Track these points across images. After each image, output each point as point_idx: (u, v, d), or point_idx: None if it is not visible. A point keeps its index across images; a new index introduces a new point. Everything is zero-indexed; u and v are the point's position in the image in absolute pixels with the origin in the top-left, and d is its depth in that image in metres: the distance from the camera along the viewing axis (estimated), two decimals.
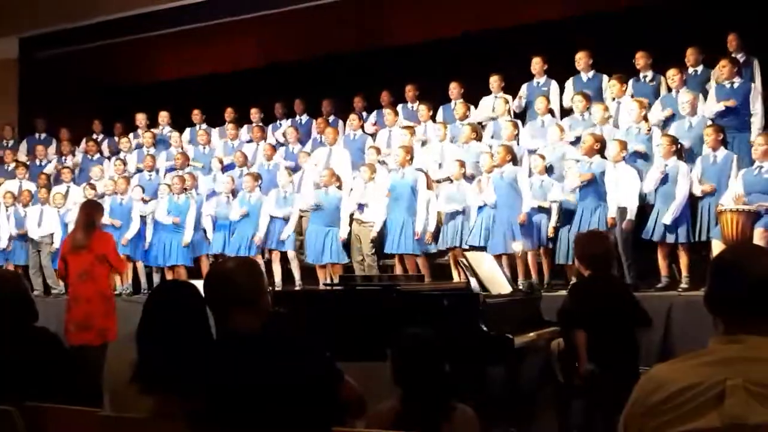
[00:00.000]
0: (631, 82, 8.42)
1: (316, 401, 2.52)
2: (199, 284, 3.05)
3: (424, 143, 9.24)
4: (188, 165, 10.12)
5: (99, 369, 3.22)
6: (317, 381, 2.54)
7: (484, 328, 4.89)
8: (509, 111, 9.00)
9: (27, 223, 10.14)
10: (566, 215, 7.57)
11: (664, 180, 7.13)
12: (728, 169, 7.02)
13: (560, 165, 7.98)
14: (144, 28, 12.09)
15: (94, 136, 11.58)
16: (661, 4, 9.06)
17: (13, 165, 11.38)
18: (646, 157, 7.58)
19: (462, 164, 8.31)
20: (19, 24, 12.79)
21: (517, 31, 9.77)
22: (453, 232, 8.09)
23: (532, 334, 5.29)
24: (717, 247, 6.56)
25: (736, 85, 7.63)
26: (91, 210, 6.70)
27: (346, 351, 3.88)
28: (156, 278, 9.49)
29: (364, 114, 10.19)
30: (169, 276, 9.29)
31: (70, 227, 8.26)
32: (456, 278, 7.68)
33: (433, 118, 9.44)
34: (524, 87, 9.20)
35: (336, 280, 6.87)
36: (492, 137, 8.88)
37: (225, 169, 9.97)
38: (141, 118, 11.33)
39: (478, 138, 8.76)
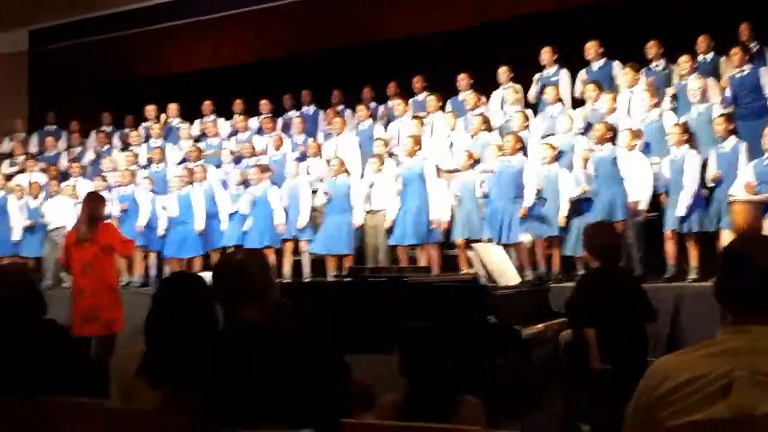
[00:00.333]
0: (642, 71, 8.35)
1: (324, 394, 2.52)
2: (207, 276, 3.06)
3: (431, 133, 9.21)
4: (202, 158, 10.07)
5: (106, 361, 3.23)
6: (325, 373, 2.54)
7: (492, 320, 4.88)
8: (519, 101, 8.95)
9: (46, 214, 10.11)
10: (577, 205, 7.53)
11: (677, 169, 7.09)
12: (737, 158, 6.97)
13: (570, 155, 7.94)
14: (154, 20, 12.12)
15: (104, 128, 11.61)
16: None
17: (23, 157, 11.41)
18: (655, 146, 7.53)
19: (470, 155, 8.28)
20: (28, 16, 12.83)
21: (526, 21, 9.72)
22: (462, 223, 8.07)
23: (540, 325, 5.27)
24: (727, 237, 6.53)
25: (746, 72, 7.57)
26: (93, 202, 6.71)
27: (353, 343, 3.87)
28: (167, 270, 9.49)
29: (372, 104, 10.16)
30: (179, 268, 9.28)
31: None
32: (464, 269, 7.66)
33: (442, 108, 9.41)
34: (537, 76, 9.13)
35: (345, 272, 6.87)
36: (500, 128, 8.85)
37: (235, 161, 9.98)
38: (150, 110, 11.32)
39: (488, 129, 8.73)
